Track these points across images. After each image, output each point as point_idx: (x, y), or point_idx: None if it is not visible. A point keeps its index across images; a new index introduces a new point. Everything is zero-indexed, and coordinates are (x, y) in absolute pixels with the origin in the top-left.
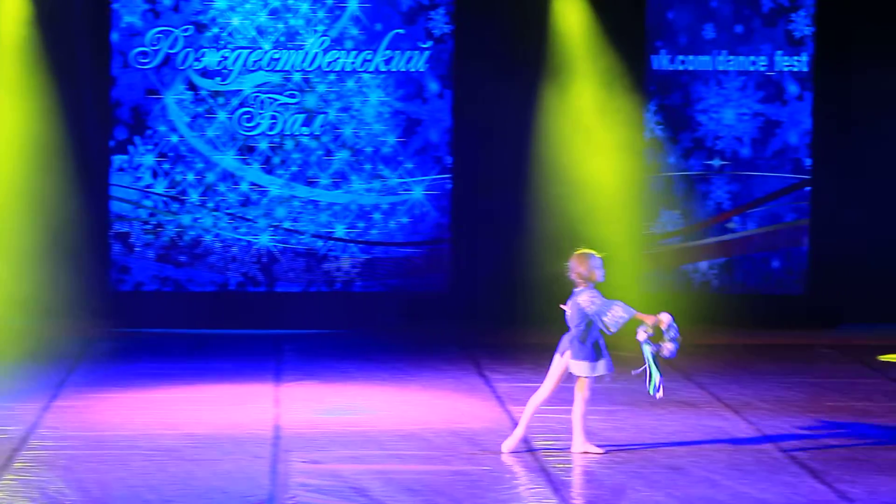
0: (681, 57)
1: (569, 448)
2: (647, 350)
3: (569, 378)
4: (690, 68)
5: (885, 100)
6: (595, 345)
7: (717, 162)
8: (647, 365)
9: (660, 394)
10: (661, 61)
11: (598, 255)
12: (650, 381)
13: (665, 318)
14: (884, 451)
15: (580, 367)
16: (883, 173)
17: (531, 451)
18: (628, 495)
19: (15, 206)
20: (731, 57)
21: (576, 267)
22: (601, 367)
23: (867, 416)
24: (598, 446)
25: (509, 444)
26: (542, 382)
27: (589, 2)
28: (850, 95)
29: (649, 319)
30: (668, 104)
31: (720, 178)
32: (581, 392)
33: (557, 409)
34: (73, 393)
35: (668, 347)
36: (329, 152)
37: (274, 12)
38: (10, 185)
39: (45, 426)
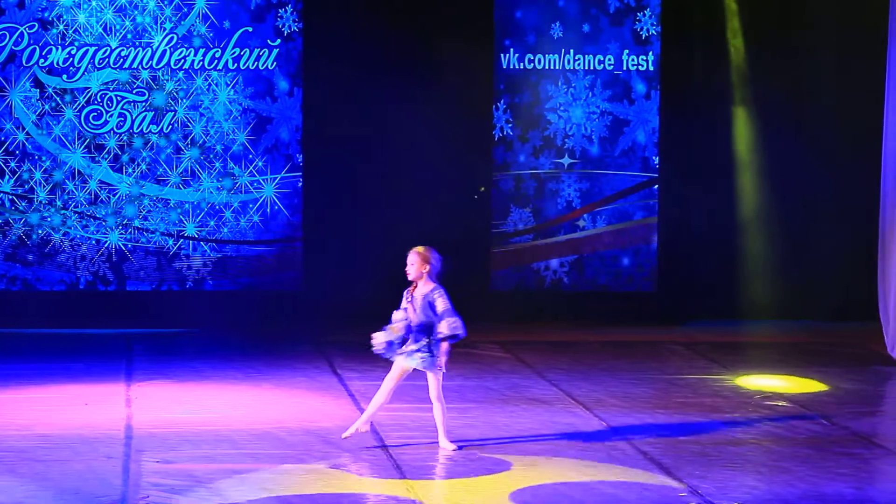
0: (529, 55)
1: (423, 444)
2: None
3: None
4: (539, 67)
5: (727, 99)
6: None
7: (566, 160)
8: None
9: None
10: (511, 60)
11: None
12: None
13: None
14: (733, 446)
15: (428, 363)
16: (725, 172)
17: (386, 449)
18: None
19: None
20: (579, 56)
21: (421, 263)
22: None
23: (716, 412)
24: (453, 443)
25: (445, 442)
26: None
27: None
28: (695, 94)
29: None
30: (517, 102)
31: (570, 176)
32: (438, 388)
33: (410, 406)
34: None
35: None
36: (179, 150)
37: (120, 9)
38: None
39: None
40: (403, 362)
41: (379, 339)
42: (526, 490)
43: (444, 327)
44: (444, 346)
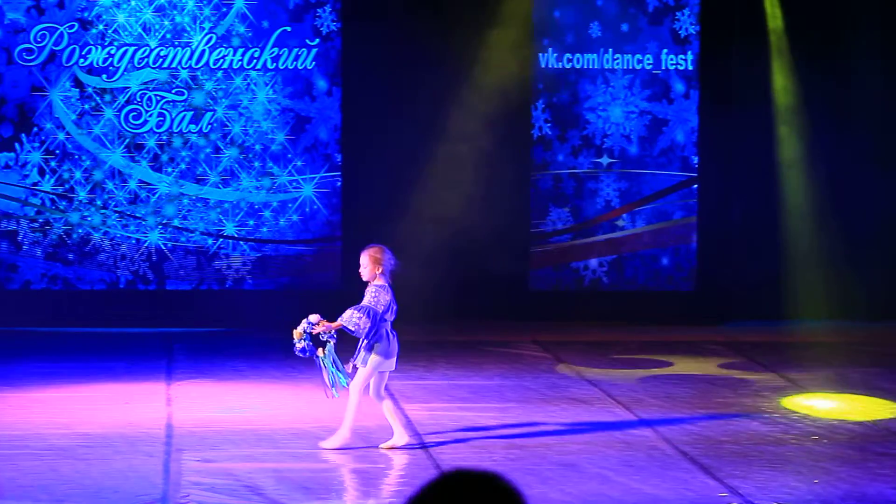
0: (568, 55)
1: (461, 443)
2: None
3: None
4: (578, 66)
5: (767, 98)
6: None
7: (605, 160)
8: (327, 368)
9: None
10: (549, 59)
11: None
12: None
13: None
14: (773, 446)
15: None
16: (766, 171)
17: (425, 448)
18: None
19: None
20: (618, 55)
21: (373, 264)
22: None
23: (756, 412)
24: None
25: (334, 441)
26: (434, 380)
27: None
28: (735, 93)
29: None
30: (556, 102)
31: (609, 175)
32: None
33: (449, 405)
34: None
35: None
36: (218, 150)
37: (160, 9)
38: None
39: None
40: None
41: (297, 348)
42: (566, 489)
43: (346, 315)
44: (331, 325)
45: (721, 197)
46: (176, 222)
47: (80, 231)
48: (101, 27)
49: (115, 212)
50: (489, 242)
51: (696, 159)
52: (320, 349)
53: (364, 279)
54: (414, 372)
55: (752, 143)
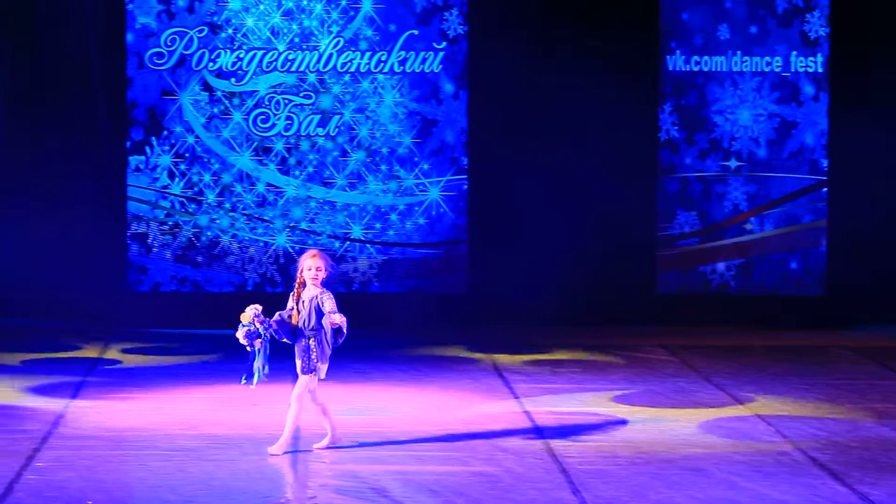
0: (696, 57)
1: (588, 447)
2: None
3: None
4: (706, 69)
5: None
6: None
7: (733, 163)
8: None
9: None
10: (677, 62)
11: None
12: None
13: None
14: None
15: (322, 371)
16: None
17: (551, 453)
18: (649, 496)
19: (33, 205)
20: (747, 58)
21: (325, 269)
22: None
23: (886, 418)
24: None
25: (278, 448)
26: (560, 383)
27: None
28: (865, 96)
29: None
30: (683, 105)
31: (737, 178)
32: (307, 393)
33: (575, 409)
34: (93, 393)
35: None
36: (345, 153)
37: (288, 13)
38: (26, 186)
39: (65, 426)
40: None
41: (240, 334)
42: (694, 496)
43: (336, 318)
44: (341, 320)
45: (851, 201)
46: (303, 225)
47: (208, 234)
48: (230, 31)
49: (244, 214)
50: (616, 246)
51: (825, 162)
52: (258, 340)
53: (313, 284)
54: (540, 375)
55: (885, 146)
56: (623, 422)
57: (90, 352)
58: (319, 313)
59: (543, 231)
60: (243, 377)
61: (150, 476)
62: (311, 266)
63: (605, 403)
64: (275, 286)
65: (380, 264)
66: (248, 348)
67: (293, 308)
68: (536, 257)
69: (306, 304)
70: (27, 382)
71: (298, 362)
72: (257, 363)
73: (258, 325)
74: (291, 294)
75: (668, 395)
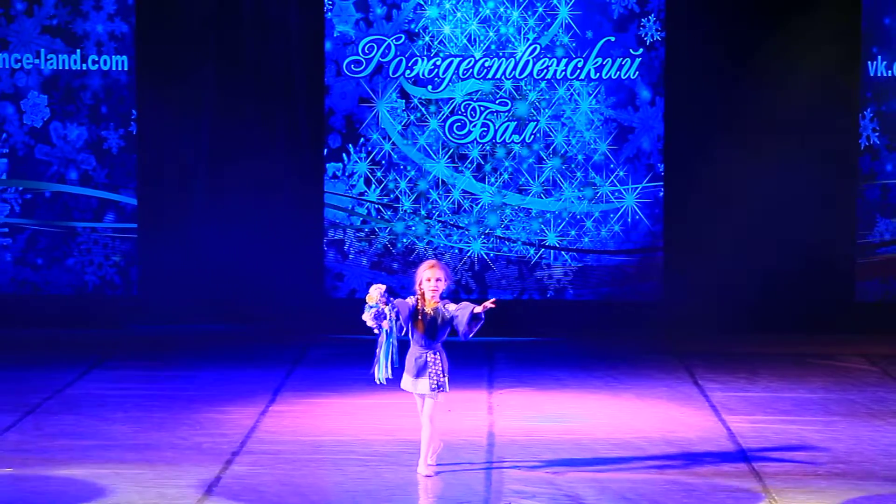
0: None
1: (785, 457)
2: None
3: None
4: None
5: None
6: None
7: None
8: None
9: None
10: (878, 67)
11: None
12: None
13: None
14: None
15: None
16: None
17: (748, 462)
18: None
19: (236, 212)
20: None
21: (442, 277)
22: None
23: None
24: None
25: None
26: (758, 392)
27: (807, 7)
28: None
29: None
30: (884, 111)
31: None
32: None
33: (773, 419)
34: (290, 398)
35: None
36: (540, 160)
37: (485, 20)
38: (230, 193)
39: (262, 430)
40: (413, 389)
41: (367, 316)
42: None
43: (480, 307)
44: (486, 305)
45: None
46: (498, 232)
47: (404, 240)
48: (427, 39)
49: (439, 221)
50: (814, 254)
51: None
52: (385, 321)
53: (433, 296)
54: (736, 384)
55: None
56: (821, 432)
57: (288, 356)
58: (441, 329)
59: (740, 239)
60: (376, 368)
61: (347, 481)
62: (430, 277)
63: (803, 413)
64: (469, 293)
65: (574, 271)
66: (376, 330)
67: (415, 306)
68: (732, 265)
69: (429, 316)
70: (227, 386)
71: (423, 380)
72: (384, 352)
73: (384, 306)
74: (407, 299)
75: (867, 404)
